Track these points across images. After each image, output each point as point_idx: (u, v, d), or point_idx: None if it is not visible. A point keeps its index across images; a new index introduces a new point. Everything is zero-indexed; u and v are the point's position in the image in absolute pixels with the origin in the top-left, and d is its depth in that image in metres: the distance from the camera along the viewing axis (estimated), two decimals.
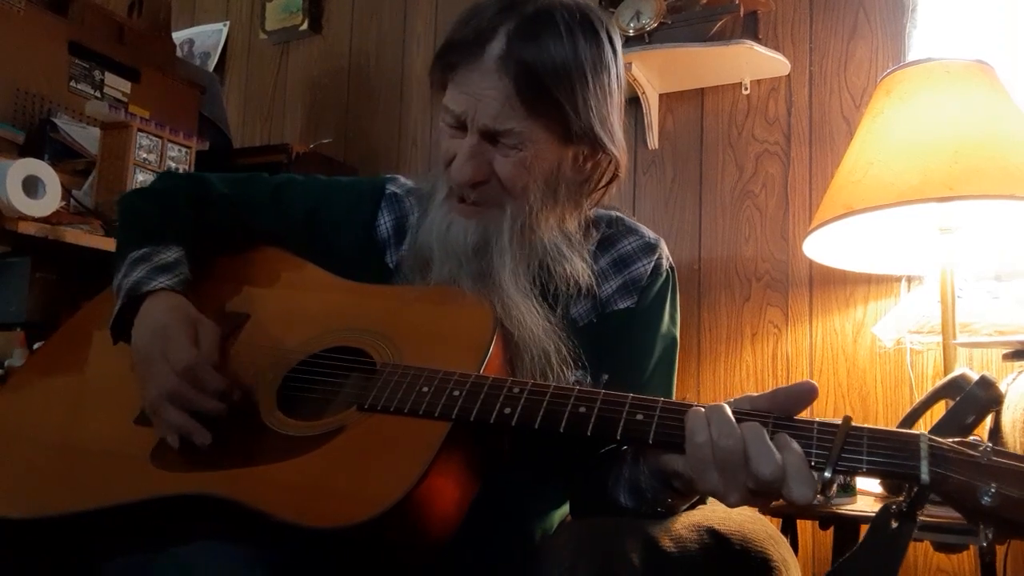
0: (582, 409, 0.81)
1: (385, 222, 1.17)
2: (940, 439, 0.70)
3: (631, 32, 2.03)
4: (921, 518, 1.32)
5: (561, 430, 0.81)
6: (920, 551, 1.77)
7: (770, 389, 0.79)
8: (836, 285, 1.95)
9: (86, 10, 2.09)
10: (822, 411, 1.91)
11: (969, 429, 1.06)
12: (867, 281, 1.90)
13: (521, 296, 1.02)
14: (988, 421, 1.12)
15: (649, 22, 2.02)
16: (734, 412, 0.76)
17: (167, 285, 1.06)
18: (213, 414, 0.94)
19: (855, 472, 0.72)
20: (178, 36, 2.85)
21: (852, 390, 1.90)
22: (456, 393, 0.86)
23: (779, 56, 2.01)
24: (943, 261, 1.58)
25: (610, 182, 1.09)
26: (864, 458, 0.71)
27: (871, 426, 0.73)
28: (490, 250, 1.02)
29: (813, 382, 0.78)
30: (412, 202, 1.17)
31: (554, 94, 0.96)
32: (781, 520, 1.60)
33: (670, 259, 1.17)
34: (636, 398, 0.82)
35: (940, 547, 1.55)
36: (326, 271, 1.13)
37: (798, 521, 1.69)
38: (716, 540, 0.90)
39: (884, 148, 1.52)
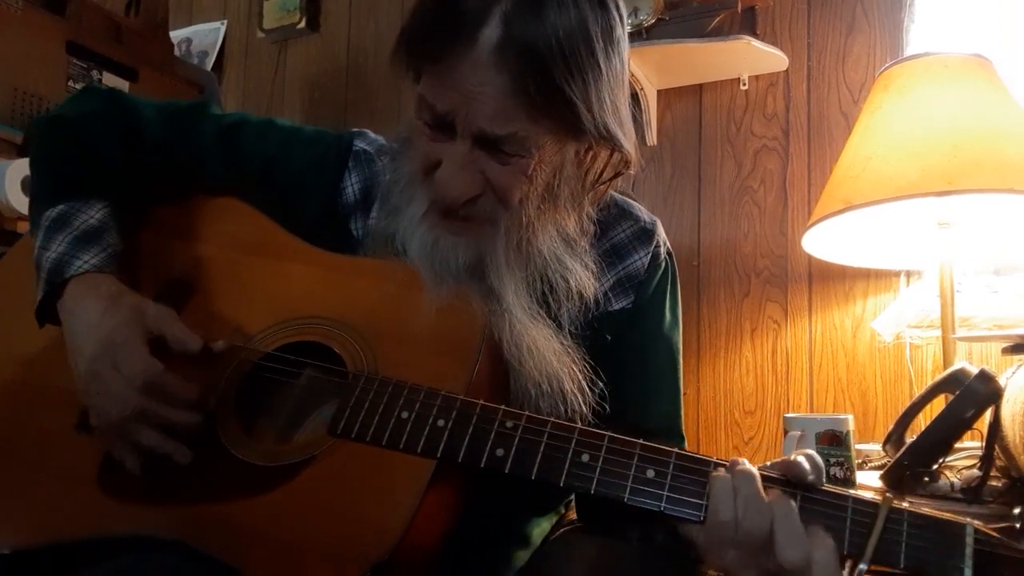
0: (585, 457, 0.72)
1: (352, 184, 1.03)
2: (986, 528, 0.63)
3: (629, 28, 2.02)
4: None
5: (562, 484, 0.72)
6: None
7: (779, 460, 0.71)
8: (835, 280, 1.95)
9: (83, 10, 2.09)
10: (821, 406, 1.91)
11: (969, 423, 1.06)
12: (866, 276, 1.90)
13: (529, 318, 0.90)
14: (988, 415, 1.12)
15: (647, 18, 2.02)
16: (763, 480, 0.67)
17: (93, 264, 0.90)
18: (190, 428, 0.83)
19: (893, 565, 0.64)
20: (176, 35, 2.85)
21: (852, 385, 1.90)
22: (441, 423, 0.76)
23: (777, 51, 2.01)
24: (942, 255, 1.58)
25: (615, 176, 0.95)
26: (903, 552, 0.63)
27: (911, 508, 0.65)
28: (486, 270, 0.89)
29: (801, 462, 0.69)
30: (384, 162, 1.03)
31: (563, 89, 0.79)
32: None
33: (667, 244, 1.07)
34: (646, 447, 0.71)
35: None
36: (287, 232, 0.98)
37: None
38: None
39: (882, 143, 1.52)
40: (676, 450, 0.71)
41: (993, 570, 0.62)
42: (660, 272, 1.04)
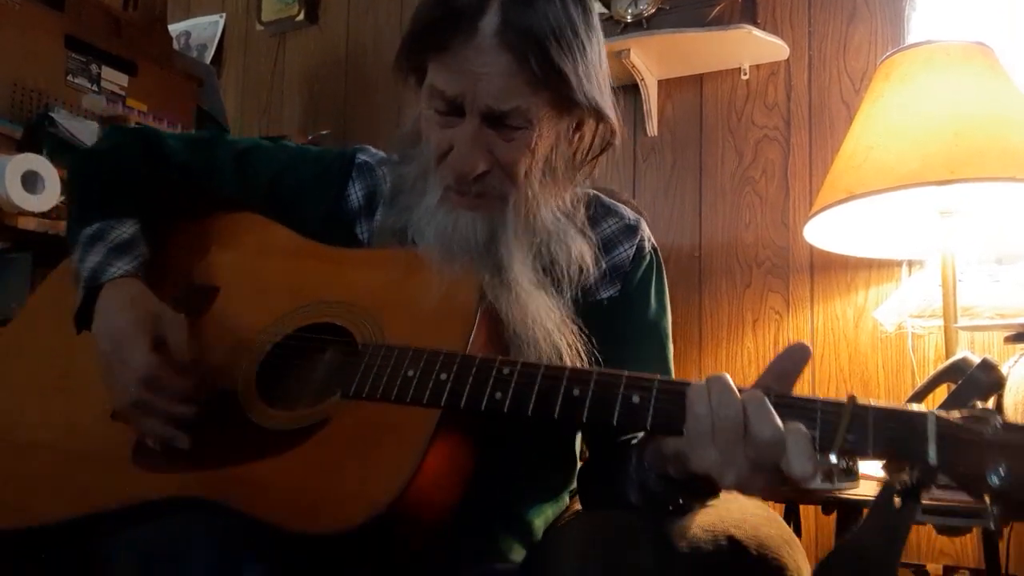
0: (576, 391, 0.78)
1: (356, 192, 1.11)
2: (948, 415, 0.68)
3: (629, 18, 2.02)
4: (923, 501, 1.32)
5: (556, 416, 0.78)
6: (923, 534, 1.78)
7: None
8: (837, 270, 1.94)
9: (82, 4, 2.08)
10: (824, 395, 1.91)
11: None
12: (868, 266, 1.90)
13: (535, 287, 0.97)
14: (990, 404, 1.12)
15: (647, 8, 2.01)
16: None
17: (125, 271, 1.01)
18: (184, 419, 0.91)
19: (860, 455, 0.69)
20: (174, 28, 2.84)
21: (854, 375, 1.90)
22: (443, 376, 0.82)
23: (778, 40, 2.01)
24: (944, 245, 1.57)
25: (603, 150, 1.04)
26: (870, 439, 0.68)
27: (876, 404, 0.70)
28: (497, 244, 0.96)
29: (804, 343, 0.76)
30: (384, 172, 1.11)
31: (557, 63, 0.90)
32: (784, 506, 1.60)
33: (652, 240, 1.13)
34: (631, 376, 0.78)
35: (943, 530, 1.56)
36: (297, 234, 1.08)
37: (801, 506, 1.69)
38: (731, 545, 0.86)
39: (884, 132, 1.52)
40: (659, 377, 0.77)
41: (955, 451, 0.66)
42: (645, 264, 1.10)
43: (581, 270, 1.01)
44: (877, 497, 0.70)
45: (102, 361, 0.96)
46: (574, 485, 1.13)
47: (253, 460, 0.85)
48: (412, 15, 0.95)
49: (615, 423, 0.76)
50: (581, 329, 0.98)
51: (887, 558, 0.67)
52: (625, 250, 1.09)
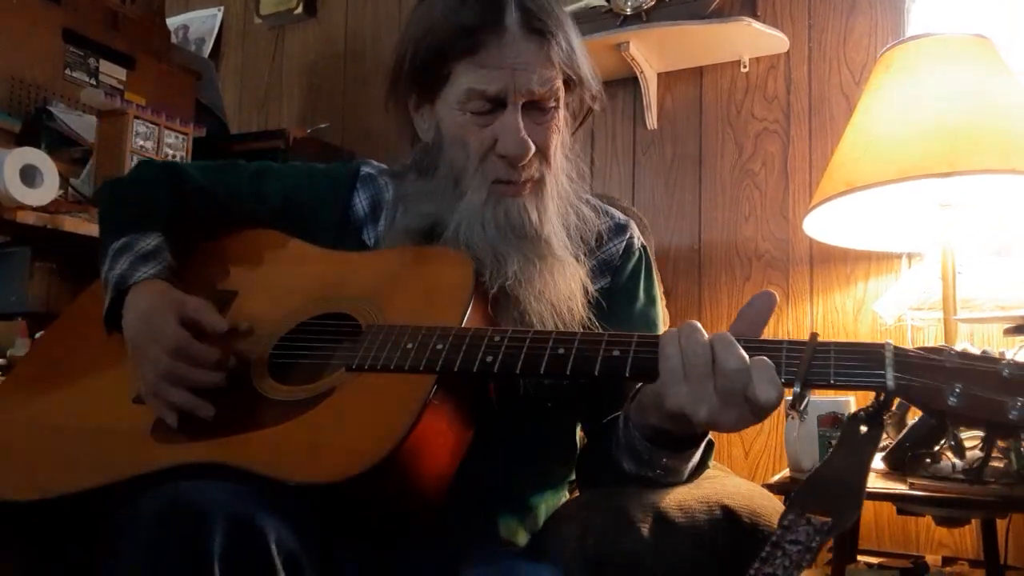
0: (560, 351, 0.83)
1: (361, 201, 1.19)
2: (905, 347, 0.73)
3: (628, 11, 2.02)
4: (922, 493, 1.33)
5: (542, 372, 0.83)
6: (922, 525, 1.78)
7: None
8: (837, 263, 1.94)
9: None
10: (823, 389, 1.91)
11: None
12: (867, 258, 1.90)
13: (568, 255, 1.04)
14: None
15: (646, 0, 2.01)
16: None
17: (151, 274, 1.07)
18: (212, 386, 0.96)
19: (824, 384, 0.74)
20: (172, 22, 2.84)
21: None
22: (439, 347, 0.88)
23: (778, 33, 2.00)
24: (943, 237, 1.57)
25: (586, 116, 1.12)
26: (831, 370, 0.73)
27: (837, 341, 0.75)
28: (544, 223, 1.03)
29: (769, 291, 0.82)
30: (386, 180, 1.19)
31: (568, 38, 1.01)
32: (783, 498, 1.60)
33: (641, 239, 1.19)
34: (612, 335, 0.84)
35: (941, 521, 1.56)
36: (309, 243, 1.15)
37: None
38: (725, 514, 0.90)
39: (884, 124, 1.52)
40: (637, 335, 0.83)
41: (913, 374, 0.71)
42: (634, 259, 1.16)
43: (592, 237, 1.09)
44: (844, 425, 0.75)
45: (130, 345, 1.02)
46: (573, 477, 1.15)
47: (262, 427, 0.91)
48: (417, 32, 1.03)
49: (596, 373, 0.82)
50: (593, 295, 1.05)
51: (856, 481, 0.71)
52: (615, 245, 1.15)
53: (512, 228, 1.01)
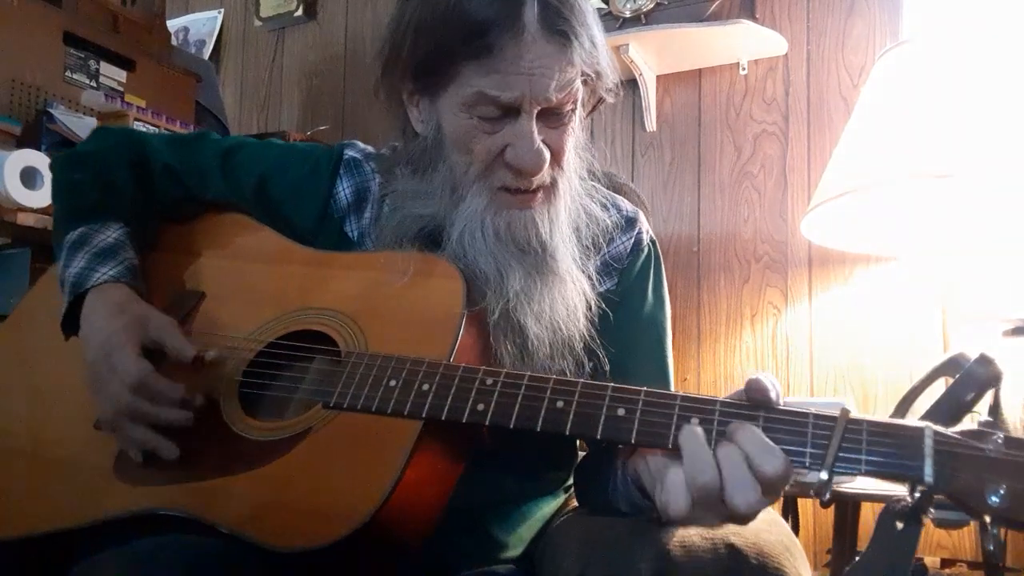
0: (559, 404, 0.76)
1: (344, 189, 1.08)
2: (946, 431, 0.65)
3: (627, 13, 2.02)
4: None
5: (539, 429, 0.75)
6: None
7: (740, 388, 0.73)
8: (835, 265, 1.95)
9: (80, 0, 2.08)
10: (822, 391, 1.92)
11: (968, 407, 1.06)
12: (866, 260, 1.90)
13: (576, 267, 0.96)
14: (988, 398, 1.13)
15: (645, 3, 2.01)
16: (721, 405, 0.71)
17: (110, 276, 0.98)
18: (177, 424, 0.89)
19: (853, 473, 0.66)
20: (173, 24, 2.84)
21: (852, 369, 1.90)
22: (425, 387, 0.80)
23: (776, 35, 2.01)
24: (941, 239, 1.58)
25: (596, 106, 1.02)
26: (863, 457, 0.65)
27: (871, 418, 0.67)
28: (552, 236, 0.95)
29: (761, 379, 0.71)
30: (372, 167, 1.08)
31: (588, 40, 0.89)
32: (782, 500, 1.61)
33: (650, 232, 1.11)
34: (617, 388, 0.75)
35: (940, 523, 1.57)
36: (284, 237, 1.06)
37: (799, 500, 1.70)
38: (731, 553, 0.83)
39: (882, 126, 1.52)
40: (645, 389, 0.74)
41: (953, 468, 0.63)
42: (643, 257, 1.08)
43: (603, 240, 1.02)
44: (878, 522, 0.67)
45: (89, 371, 0.93)
46: (570, 482, 1.12)
47: (233, 472, 0.84)
48: (418, 20, 0.91)
49: (599, 436, 0.74)
50: (596, 307, 0.98)
51: None
52: (623, 243, 1.07)
53: (514, 240, 0.93)
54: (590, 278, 0.99)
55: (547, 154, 0.91)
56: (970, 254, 1.74)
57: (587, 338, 0.97)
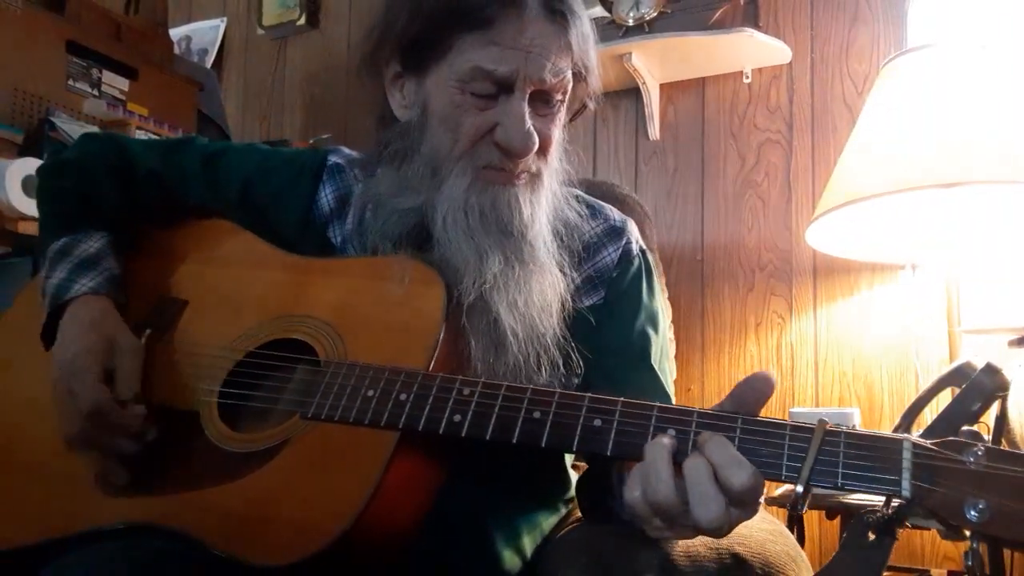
0: (536, 414, 0.75)
1: (327, 195, 1.07)
2: (926, 444, 0.63)
3: (631, 22, 2.02)
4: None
5: (515, 441, 0.75)
6: (927, 539, 1.77)
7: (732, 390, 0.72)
8: (840, 274, 1.93)
9: (83, 8, 2.08)
10: (827, 400, 1.90)
11: (975, 416, 1.05)
12: (871, 269, 1.89)
13: (552, 262, 0.94)
14: (994, 408, 1.11)
15: (649, 11, 2.01)
16: (698, 416, 0.70)
17: (89, 287, 0.98)
18: (126, 454, 0.90)
19: (830, 487, 0.65)
20: (175, 33, 2.85)
21: (857, 379, 1.89)
22: (403, 397, 0.80)
23: (780, 44, 2.00)
24: (947, 248, 1.57)
25: (579, 112, 1.01)
26: (840, 471, 0.64)
27: (849, 430, 0.66)
28: (534, 223, 0.94)
29: (766, 373, 0.71)
30: (356, 173, 1.07)
31: (584, 28, 0.91)
32: (787, 511, 1.59)
33: (640, 242, 1.08)
34: (594, 399, 0.74)
35: (947, 535, 1.55)
36: (268, 243, 1.05)
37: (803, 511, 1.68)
38: (736, 562, 0.83)
39: (886, 135, 1.51)
40: (622, 400, 0.74)
41: (932, 481, 0.61)
42: (633, 267, 1.05)
43: (580, 245, 1.00)
44: (848, 531, 0.66)
45: (53, 389, 0.94)
46: (569, 494, 1.10)
47: (210, 484, 0.83)
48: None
49: (575, 448, 0.74)
50: (573, 316, 0.96)
51: None
52: (609, 254, 1.04)
53: (497, 220, 0.91)
54: (572, 282, 0.97)
55: (536, 137, 0.90)
56: (976, 263, 1.73)
57: (565, 345, 0.94)
